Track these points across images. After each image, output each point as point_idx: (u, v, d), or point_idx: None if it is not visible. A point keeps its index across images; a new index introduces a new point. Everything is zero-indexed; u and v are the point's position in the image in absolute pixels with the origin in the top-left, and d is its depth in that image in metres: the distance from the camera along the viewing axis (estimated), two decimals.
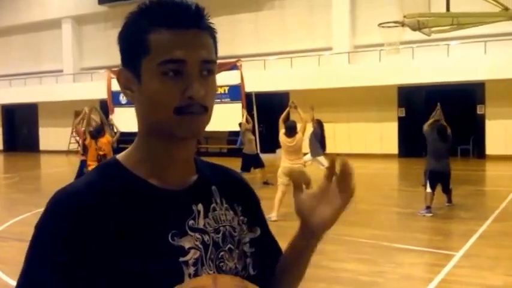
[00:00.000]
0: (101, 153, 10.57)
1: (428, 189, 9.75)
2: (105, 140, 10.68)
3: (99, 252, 1.02)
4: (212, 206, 1.18)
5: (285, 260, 1.28)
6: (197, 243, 1.11)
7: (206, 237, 1.13)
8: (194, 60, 1.07)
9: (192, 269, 1.08)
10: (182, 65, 1.06)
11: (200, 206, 1.15)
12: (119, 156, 1.17)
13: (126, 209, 1.07)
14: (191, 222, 1.12)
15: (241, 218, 1.23)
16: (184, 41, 1.07)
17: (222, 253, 1.14)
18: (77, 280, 1.01)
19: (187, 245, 1.09)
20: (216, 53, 1.15)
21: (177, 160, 1.15)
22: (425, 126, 10.33)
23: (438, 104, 11.00)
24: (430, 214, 9.52)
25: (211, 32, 1.13)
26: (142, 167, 1.13)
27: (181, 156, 1.15)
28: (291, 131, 9.80)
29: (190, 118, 1.07)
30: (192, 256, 1.09)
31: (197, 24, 1.09)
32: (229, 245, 1.17)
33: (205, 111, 1.09)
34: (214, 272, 1.11)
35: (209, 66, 1.10)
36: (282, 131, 9.97)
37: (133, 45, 1.09)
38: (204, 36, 1.10)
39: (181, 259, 1.08)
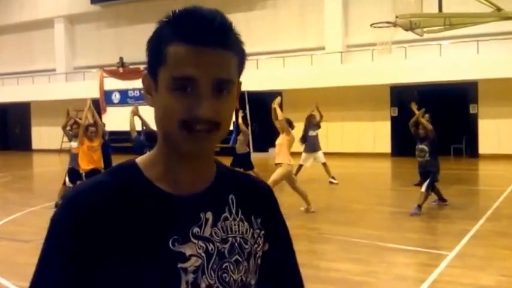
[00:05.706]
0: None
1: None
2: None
3: (102, 253, 1.04)
4: (224, 215, 1.16)
5: None
6: (200, 251, 1.10)
7: (211, 246, 1.12)
8: (206, 79, 1.05)
9: (191, 276, 1.08)
10: (193, 83, 1.05)
11: (209, 214, 1.14)
12: (139, 158, 1.17)
13: (131, 211, 1.08)
14: (196, 229, 1.11)
15: (257, 230, 1.22)
16: (199, 59, 1.05)
17: (226, 264, 1.13)
18: (82, 277, 1.04)
19: (188, 252, 1.09)
20: (240, 72, 1.13)
21: (189, 167, 1.14)
22: (414, 128, 10.14)
23: (412, 103, 10.83)
24: (420, 212, 9.55)
25: (236, 50, 1.11)
26: (155, 169, 1.14)
27: (193, 164, 1.14)
28: (292, 126, 9.79)
29: (196, 135, 1.06)
30: (192, 263, 1.09)
31: (217, 42, 1.06)
32: (236, 257, 1.15)
33: (216, 128, 1.07)
34: (215, 282, 1.11)
35: (225, 86, 1.08)
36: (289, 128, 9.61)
37: (154, 53, 1.10)
38: (223, 55, 1.07)
39: (179, 265, 1.08)
